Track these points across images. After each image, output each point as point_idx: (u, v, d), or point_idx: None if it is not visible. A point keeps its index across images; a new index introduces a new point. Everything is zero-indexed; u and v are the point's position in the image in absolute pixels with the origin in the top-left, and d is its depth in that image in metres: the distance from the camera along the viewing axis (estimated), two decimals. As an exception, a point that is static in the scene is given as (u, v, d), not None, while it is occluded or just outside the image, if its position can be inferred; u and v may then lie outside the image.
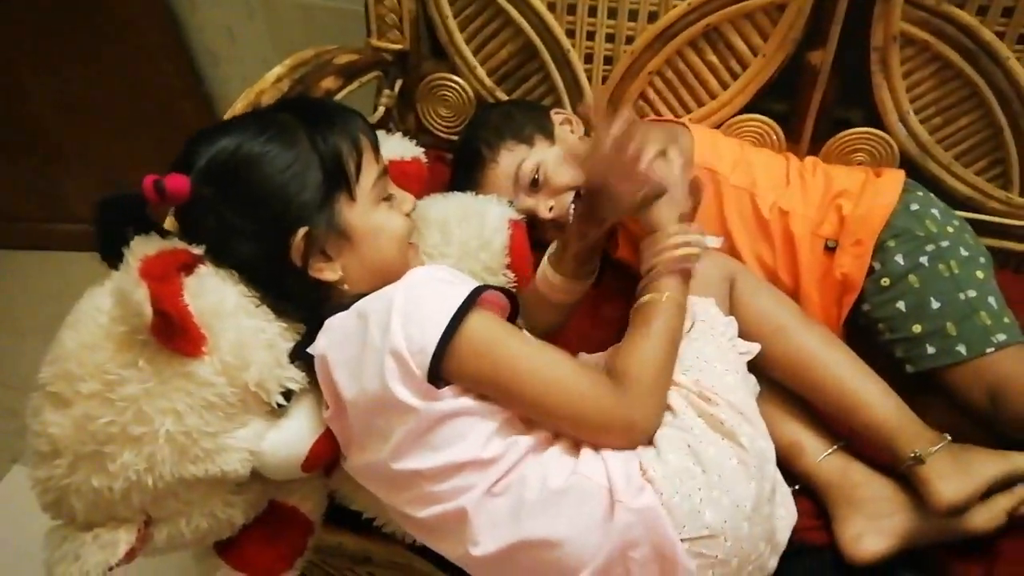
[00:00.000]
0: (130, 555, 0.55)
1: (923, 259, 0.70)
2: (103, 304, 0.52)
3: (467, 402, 0.52)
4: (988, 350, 0.65)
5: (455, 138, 0.97)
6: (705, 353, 0.57)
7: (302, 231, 0.54)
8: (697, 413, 0.54)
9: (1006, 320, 0.68)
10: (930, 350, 0.67)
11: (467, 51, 0.93)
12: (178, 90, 1.25)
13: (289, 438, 0.58)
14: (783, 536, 0.57)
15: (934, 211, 0.74)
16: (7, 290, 1.50)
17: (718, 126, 0.88)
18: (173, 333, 0.50)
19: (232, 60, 1.26)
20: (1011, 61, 0.76)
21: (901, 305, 0.70)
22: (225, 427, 0.55)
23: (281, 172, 0.54)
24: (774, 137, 0.87)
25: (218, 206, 0.54)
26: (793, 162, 0.81)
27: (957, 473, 0.58)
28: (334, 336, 0.55)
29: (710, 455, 0.52)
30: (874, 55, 0.79)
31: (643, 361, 0.54)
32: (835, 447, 0.64)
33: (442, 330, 0.50)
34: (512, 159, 0.80)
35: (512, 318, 0.60)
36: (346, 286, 0.57)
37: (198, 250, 0.54)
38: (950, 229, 0.73)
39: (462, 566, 0.57)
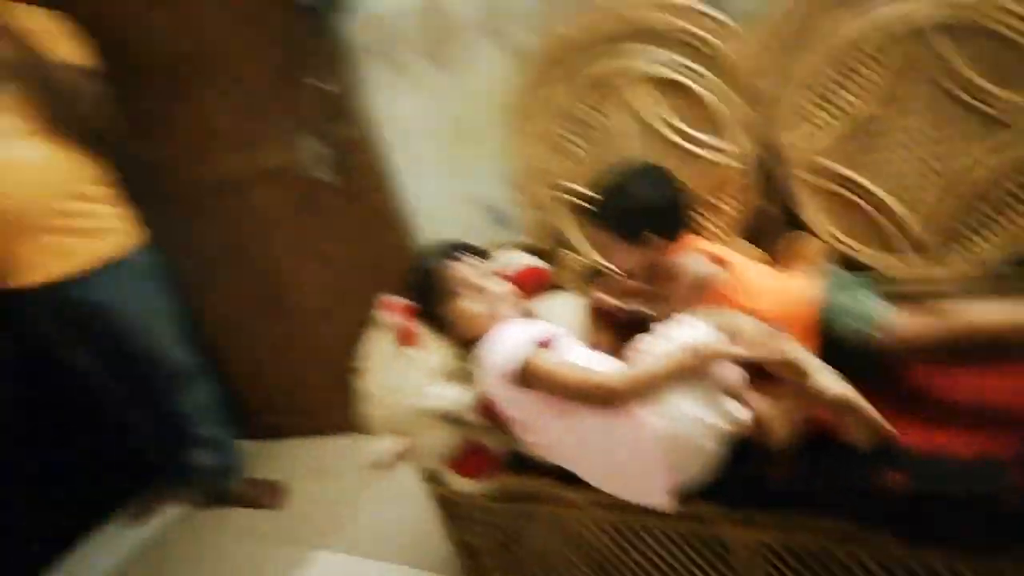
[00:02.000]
0: (403, 452, 1.21)
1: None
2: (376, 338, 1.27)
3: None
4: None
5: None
6: None
7: None
8: None
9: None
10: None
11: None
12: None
13: (463, 395, 1.25)
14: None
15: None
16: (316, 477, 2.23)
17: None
18: (404, 335, 1.22)
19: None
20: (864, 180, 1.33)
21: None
22: (432, 384, 1.24)
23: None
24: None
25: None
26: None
27: None
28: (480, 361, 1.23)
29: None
30: (793, 197, 1.40)
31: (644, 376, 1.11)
32: None
33: (519, 359, 1.15)
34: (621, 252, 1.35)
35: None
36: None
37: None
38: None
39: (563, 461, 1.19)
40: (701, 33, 1.39)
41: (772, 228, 1.44)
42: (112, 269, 1.86)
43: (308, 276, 2.18)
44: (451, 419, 1.28)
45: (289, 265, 2.18)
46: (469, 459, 1.29)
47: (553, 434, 1.18)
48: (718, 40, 1.38)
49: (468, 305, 1.28)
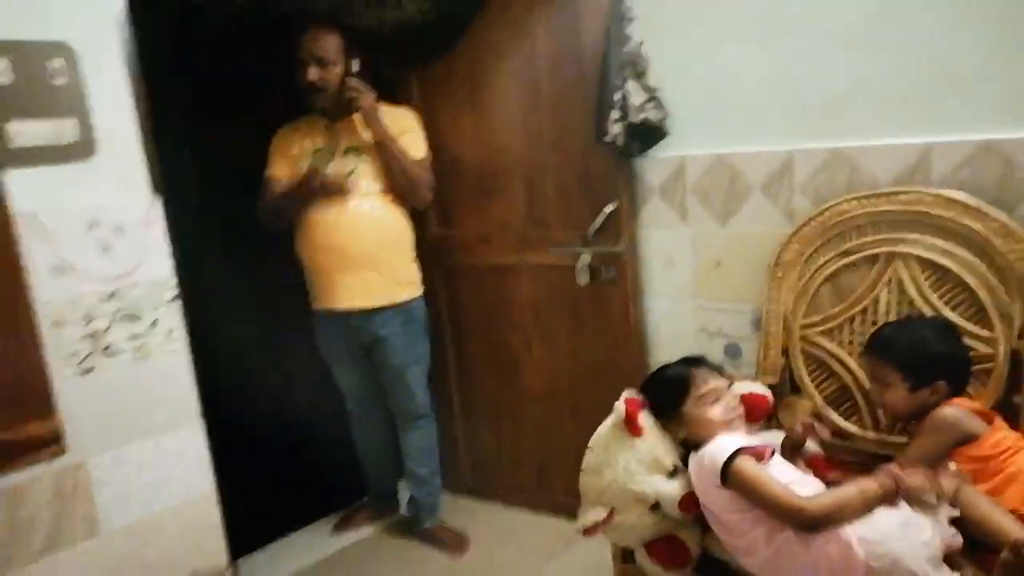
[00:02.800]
0: (605, 522, 1.36)
1: None
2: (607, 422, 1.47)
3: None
4: None
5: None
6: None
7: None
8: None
9: None
10: None
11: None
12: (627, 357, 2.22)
13: (671, 488, 1.38)
14: None
15: None
16: (502, 541, 2.38)
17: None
18: (630, 425, 1.38)
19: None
20: None
21: None
22: (645, 472, 1.39)
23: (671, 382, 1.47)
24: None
25: None
26: None
27: None
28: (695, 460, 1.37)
29: None
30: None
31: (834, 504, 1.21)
32: None
33: (725, 459, 1.29)
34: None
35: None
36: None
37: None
38: None
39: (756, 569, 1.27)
40: (983, 231, 1.50)
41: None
42: (398, 311, 2.27)
43: (543, 363, 2.45)
44: (655, 508, 1.41)
45: (530, 350, 2.47)
46: (664, 547, 1.41)
47: (751, 539, 1.27)
48: (999, 239, 1.48)
49: (707, 412, 1.43)
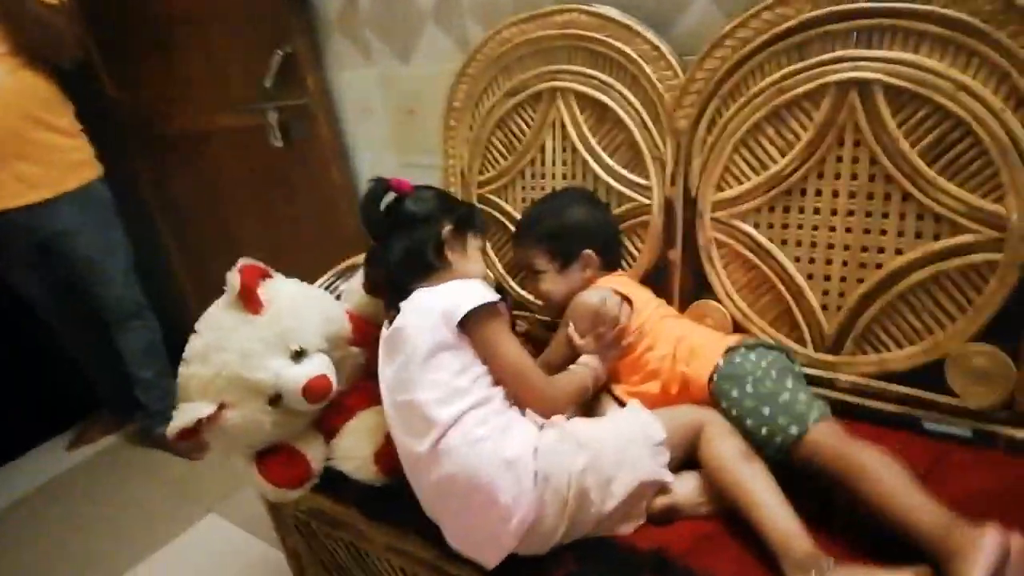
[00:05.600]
0: (211, 420, 1.06)
1: (748, 387, 1.00)
2: (220, 300, 1.16)
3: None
4: (810, 423, 0.90)
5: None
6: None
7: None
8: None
9: (816, 403, 0.94)
10: (776, 440, 0.92)
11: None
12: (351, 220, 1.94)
13: (296, 373, 1.10)
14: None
15: (752, 356, 1.07)
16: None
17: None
18: (248, 299, 1.10)
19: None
20: (777, 250, 1.16)
21: (748, 423, 0.96)
22: (265, 355, 1.09)
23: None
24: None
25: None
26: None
27: None
28: None
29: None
30: (702, 252, 1.23)
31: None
32: None
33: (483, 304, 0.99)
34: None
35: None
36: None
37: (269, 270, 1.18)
38: (764, 363, 1.03)
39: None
40: (634, 56, 1.24)
41: (678, 282, 1.29)
42: (73, 198, 1.90)
43: (264, 238, 2.15)
44: (276, 401, 1.12)
45: (242, 223, 2.17)
46: (277, 461, 1.16)
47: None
48: (649, 64, 1.23)
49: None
